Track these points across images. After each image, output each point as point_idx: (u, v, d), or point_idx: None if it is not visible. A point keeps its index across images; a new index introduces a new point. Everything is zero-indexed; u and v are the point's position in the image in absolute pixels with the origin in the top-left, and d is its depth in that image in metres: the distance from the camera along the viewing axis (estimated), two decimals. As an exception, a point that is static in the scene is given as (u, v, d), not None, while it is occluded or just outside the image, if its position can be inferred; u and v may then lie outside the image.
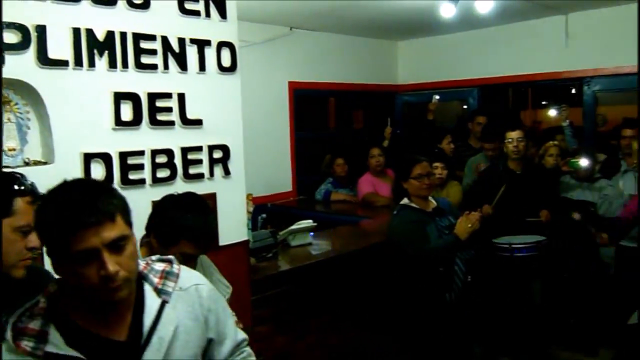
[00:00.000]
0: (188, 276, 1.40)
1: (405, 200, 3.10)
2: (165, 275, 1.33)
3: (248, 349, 1.60)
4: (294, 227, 3.22)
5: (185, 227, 1.73)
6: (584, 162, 3.91)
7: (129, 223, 1.20)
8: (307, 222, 3.27)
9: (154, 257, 1.35)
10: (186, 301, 1.34)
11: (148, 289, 1.28)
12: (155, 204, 1.84)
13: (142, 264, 1.32)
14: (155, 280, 1.30)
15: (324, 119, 6.60)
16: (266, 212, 4.36)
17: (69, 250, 1.10)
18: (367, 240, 3.37)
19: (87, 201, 1.12)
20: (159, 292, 1.29)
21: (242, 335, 1.57)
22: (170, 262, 1.37)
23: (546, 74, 5.23)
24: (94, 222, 1.11)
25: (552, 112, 4.98)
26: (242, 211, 2.41)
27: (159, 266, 1.34)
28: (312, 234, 3.42)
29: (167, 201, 1.81)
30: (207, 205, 1.85)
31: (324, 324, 2.99)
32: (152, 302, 1.27)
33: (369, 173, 4.82)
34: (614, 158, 4.37)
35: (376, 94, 6.17)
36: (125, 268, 1.16)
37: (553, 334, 4.44)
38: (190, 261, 1.80)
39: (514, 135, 3.84)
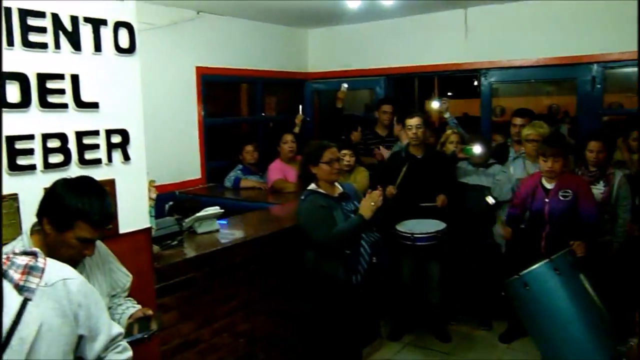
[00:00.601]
0: (55, 270, 1.33)
1: (312, 186, 3.16)
2: (29, 270, 1.25)
3: (124, 343, 1.56)
4: (200, 214, 3.18)
5: (80, 209, 1.66)
6: (477, 149, 4.16)
7: None
8: (214, 209, 3.24)
9: (17, 250, 1.27)
10: (52, 297, 1.28)
11: (7, 286, 1.20)
12: (48, 188, 1.75)
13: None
14: (16, 276, 1.23)
15: (235, 106, 6.54)
16: (174, 199, 4.29)
17: None
18: (275, 226, 3.40)
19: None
20: (19, 289, 1.22)
21: (117, 329, 1.53)
22: (35, 255, 1.29)
23: (448, 64, 5.48)
24: None
25: (435, 105, 5.22)
26: (143, 198, 2.34)
27: (22, 260, 1.26)
28: (224, 221, 3.40)
29: (60, 184, 1.72)
30: (102, 187, 1.78)
31: (231, 310, 2.99)
32: (11, 300, 1.20)
33: (279, 160, 4.84)
34: (504, 145, 4.68)
35: (287, 81, 6.19)
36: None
37: (451, 311, 4.72)
38: (88, 246, 1.73)
39: (412, 122, 4.07)
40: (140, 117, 2.29)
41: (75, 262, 1.76)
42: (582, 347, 2.95)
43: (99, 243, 1.97)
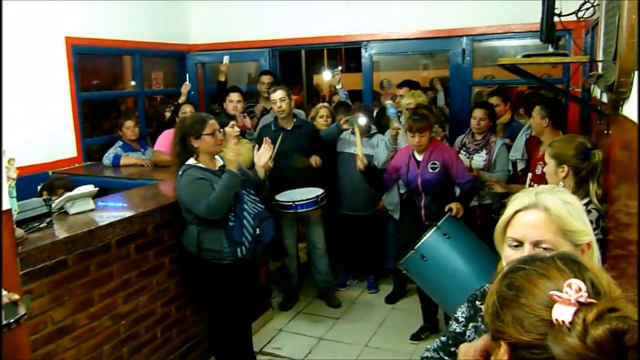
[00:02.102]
0: None
1: (191, 160, 3.09)
2: None
3: None
4: (71, 193, 3.00)
5: None
6: (361, 120, 4.29)
7: None
8: (88, 188, 3.06)
9: None
10: None
11: None
12: None
13: None
14: None
15: (120, 80, 6.22)
16: (47, 180, 4.01)
17: None
18: (156, 202, 3.27)
19: None
20: None
21: None
22: None
23: (331, 37, 5.54)
24: None
25: (327, 76, 5.35)
26: (-1, 178, 2.15)
27: None
28: (111, 202, 3.23)
29: None
30: None
31: (110, 292, 2.87)
32: None
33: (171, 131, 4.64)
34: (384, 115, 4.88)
35: (167, 53, 5.95)
36: None
37: (341, 276, 4.90)
38: None
39: (276, 95, 4.17)
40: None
41: None
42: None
43: None
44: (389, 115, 4.87)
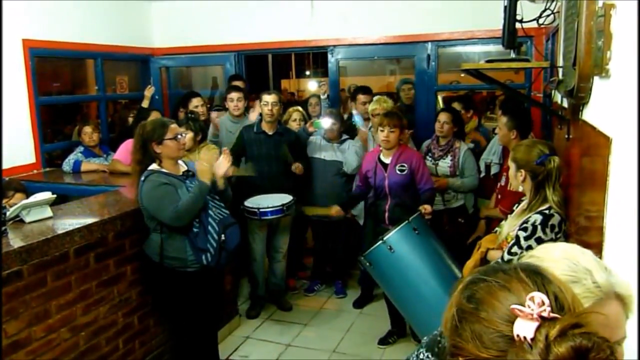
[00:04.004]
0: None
1: (154, 166, 3.01)
2: None
3: None
4: (27, 200, 2.89)
5: None
6: (325, 122, 4.29)
7: None
8: (45, 195, 2.95)
9: None
10: None
11: None
12: None
13: None
14: None
15: (83, 84, 6.07)
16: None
17: None
18: (117, 209, 3.18)
19: None
20: None
21: None
22: None
23: (297, 41, 5.53)
24: None
25: (313, 85, 5.43)
26: (-54, 186, 2.06)
27: None
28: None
29: None
30: None
31: (69, 303, 2.77)
32: None
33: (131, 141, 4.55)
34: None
35: (130, 57, 5.83)
36: None
37: (311, 282, 4.87)
38: None
39: (269, 98, 4.13)
40: None
41: None
42: (443, 300, 3.14)
43: None
44: (354, 122, 4.88)
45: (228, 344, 3.91)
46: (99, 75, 5.40)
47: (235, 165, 3.69)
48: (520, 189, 2.49)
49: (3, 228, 2.63)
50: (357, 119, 4.90)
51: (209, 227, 3.00)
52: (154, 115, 4.56)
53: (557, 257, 1.03)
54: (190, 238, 2.97)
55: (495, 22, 2.94)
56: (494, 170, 4.03)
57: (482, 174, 4.14)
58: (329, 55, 5.45)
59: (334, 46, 5.39)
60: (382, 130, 3.64)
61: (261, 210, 3.81)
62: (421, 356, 1.24)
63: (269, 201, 3.89)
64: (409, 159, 3.71)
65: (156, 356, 3.39)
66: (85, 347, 2.87)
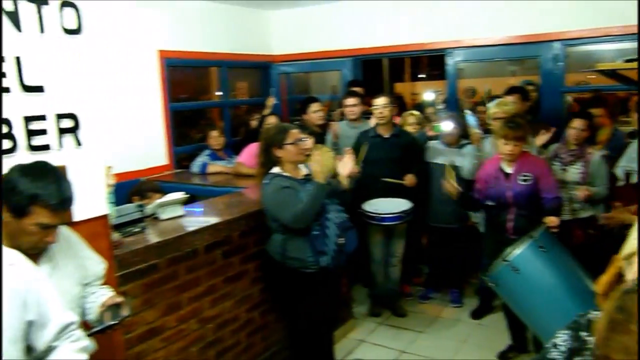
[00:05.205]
0: (3, 256, 1.31)
1: (276, 169, 3.12)
2: None
3: (78, 333, 1.52)
4: (162, 199, 3.12)
5: (36, 193, 1.62)
6: (446, 126, 4.18)
7: None
8: (178, 195, 3.18)
9: None
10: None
11: None
12: (3, 176, 1.68)
13: None
14: None
15: (206, 90, 6.47)
16: (136, 185, 4.21)
17: None
18: (241, 210, 3.34)
19: None
20: None
21: (69, 317, 1.50)
22: None
23: (415, 45, 5.47)
24: None
25: (430, 96, 5.34)
26: (98, 184, 2.28)
27: None
28: (199, 208, 3.34)
29: (14, 170, 1.68)
30: (58, 170, 1.75)
31: (198, 296, 2.96)
32: None
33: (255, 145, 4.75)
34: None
35: (252, 64, 6.11)
36: None
37: (426, 289, 4.79)
38: (49, 232, 1.69)
39: (379, 101, 4.13)
40: (92, 101, 2.21)
41: (38, 250, 1.72)
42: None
43: (67, 231, 1.92)
44: (467, 123, 4.72)
45: (343, 346, 3.94)
46: (224, 82, 5.72)
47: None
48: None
49: (142, 224, 2.86)
50: (471, 120, 4.73)
51: (328, 230, 3.04)
52: (272, 120, 4.74)
53: None
54: (310, 240, 3.03)
55: (633, 17, 2.70)
56: (634, 178, 3.69)
57: (622, 182, 3.81)
58: (447, 58, 5.33)
59: (453, 49, 5.26)
60: (505, 144, 3.46)
61: (381, 215, 3.81)
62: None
63: (388, 205, 3.86)
64: (533, 168, 3.50)
65: (276, 352, 3.51)
66: (212, 338, 3.04)
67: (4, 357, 1.24)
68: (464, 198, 3.75)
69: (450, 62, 5.33)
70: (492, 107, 4.22)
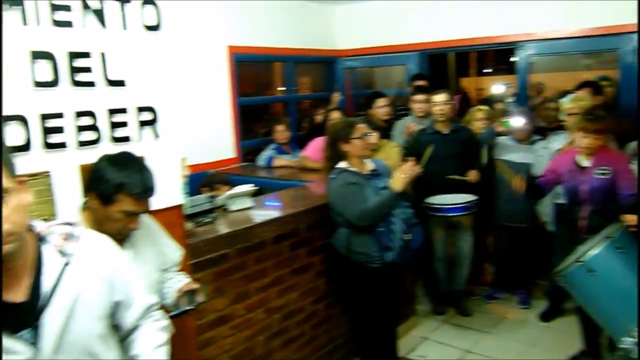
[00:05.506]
0: (91, 238, 1.37)
1: (342, 164, 3.13)
2: (67, 237, 1.30)
3: (159, 313, 1.59)
4: (232, 191, 3.20)
5: (122, 182, 1.72)
6: (515, 121, 4.05)
7: (12, 176, 1.14)
8: (247, 187, 3.25)
9: (54, 222, 1.32)
10: (89, 263, 1.32)
11: (48, 250, 1.25)
12: (92, 165, 1.80)
13: (42, 226, 1.29)
14: (57, 242, 1.27)
15: (269, 85, 6.57)
16: (206, 177, 4.34)
17: None
18: (307, 203, 3.39)
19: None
20: (60, 253, 1.26)
21: (152, 299, 1.57)
22: (72, 225, 1.34)
23: (483, 38, 5.33)
24: None
25: (500, 89, 5.18)
26: (174, 175, 2.36)
27: (60, 229, 1.30)
28: (276, 202, 3.41)
29: (102, 160, 1.79)
30: (142, 161, 1.84)
31: (265, 286, 3.02)
32: (52, 263, 1.25)
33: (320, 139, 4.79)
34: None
35: (318, 59, 6.14)
36: (10, 221, 1.11)
37: (492, 289, 4.68)
38: (132, 219, 1.78)
39: (438, 98, 4.04)
40: (169, 95, 2.30)
41: (122, 236, 1.81)
42: None
43: (148, 219, 2.02)
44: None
45: (406, 342, 3.91)
46: (290, 77, 5.78)
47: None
48: None
49: (214, 215, 2.95)
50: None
51: (394, 226, 3.02)
52: (335, 115, 4.75)
53: None
54: (376, 235, 3.02)
55: None
56: None
57: None
58: (518, 52, 5.16)
59: (524, 42, 5.08)
60: (584, 137, 3.31)
61: (446, 207, 3.75)
62: None
63: (452, 199, 3.80)
64: (613, 162, 3.34)
65: (339, 345, 3.53)
66: (278, 328, 3.10)
67: (94, 332, 1.33)
68: (529, 188, 3.63)
69: (522, 55, 5.16)
70: (567, 103, 4.06)
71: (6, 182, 1.11)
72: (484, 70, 10.80)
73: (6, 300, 1.17)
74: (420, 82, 5.09)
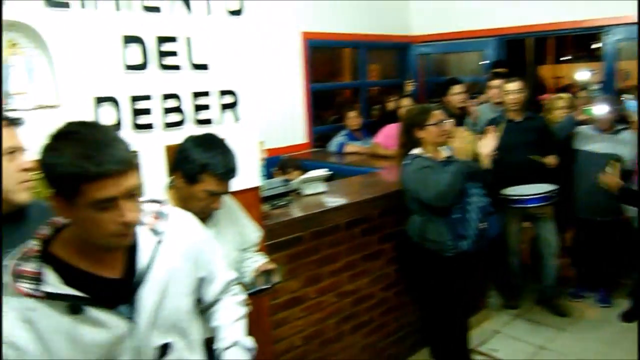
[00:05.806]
0: (179, 217, 1.42)
1: (417, 150, 3.08)
2: (158, 216, 1.35)
3: (237, 288, 1.64)
4: (306, 176, 3.23)
5: (206, 162, 1.78)
6: (598, 109, 3.85)
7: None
8: (320, 172, 3.28)
9: (143, 200, 1.36)
10: (178, 241, 1.36)
11: (142, 229, 1.30)
12: (178, 145, 1.87)
13: None
14: (149, 220, 1.32)
15: (339, 71, 6.56)
16: (280, 161, 4.41)
17: (87, 197, 1.09)
18: (379, 190, 3.38)
19: (110, 148, 1.10)
20: (152, 232, 1.31)
21: (232, 274, 1.62)
22: (160, 203, 1.39)
23: (566, 23, 5.07)
24: (118, 171, 1.10)
25: (585, 75, 4.92)
26: (253, 157, 2.41)
27: (150, 207, 1.35)
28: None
29: (188, 141, 1.87)
30: (226, 143, 1.89)
31: (336, 271, 3.04)
32: (146, 241, 1.30)
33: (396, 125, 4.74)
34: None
35: (391, 45, 6.07)
36: (138, 215, 1.19)
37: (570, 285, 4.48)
38: (215, 199, 1.85)
39: (511, 86, 3.91)
40: (249, 79, 2.34)
41: (205, 215, 1.88)
42: None
43: (230, 200, 2.08)
44: (627, 108, 4.28)
45: (477, 335, 3.82)
46: (362, 63, 5.75)
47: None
48: None
49: (288, 198, 3.00)
50: (631, 105, 4.28)
51: (469, 215, 2.96)
52: (405, 102, 4.68)
53: None
54: (451, 223, 2.96)
55: None
56: None
57: None
58: (604, 37, 4.87)
59: (612, 26, 4.79)
60: None
61: (526, 197, 3.62)
62: None
63: (531, 190, 3.67)
64: None
65: (408, 333, 3.51)
66: (348, 313, 3.12)
67: (183, 308, 1.38)
68: (626, 192, 3.43)
69: (609, 41, 4.87)
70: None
71: (139, 178, 1.18)
72: (562, 58, 10.28)
73: (102, 276, 1.22)
74: (500, 70, 4.92)
